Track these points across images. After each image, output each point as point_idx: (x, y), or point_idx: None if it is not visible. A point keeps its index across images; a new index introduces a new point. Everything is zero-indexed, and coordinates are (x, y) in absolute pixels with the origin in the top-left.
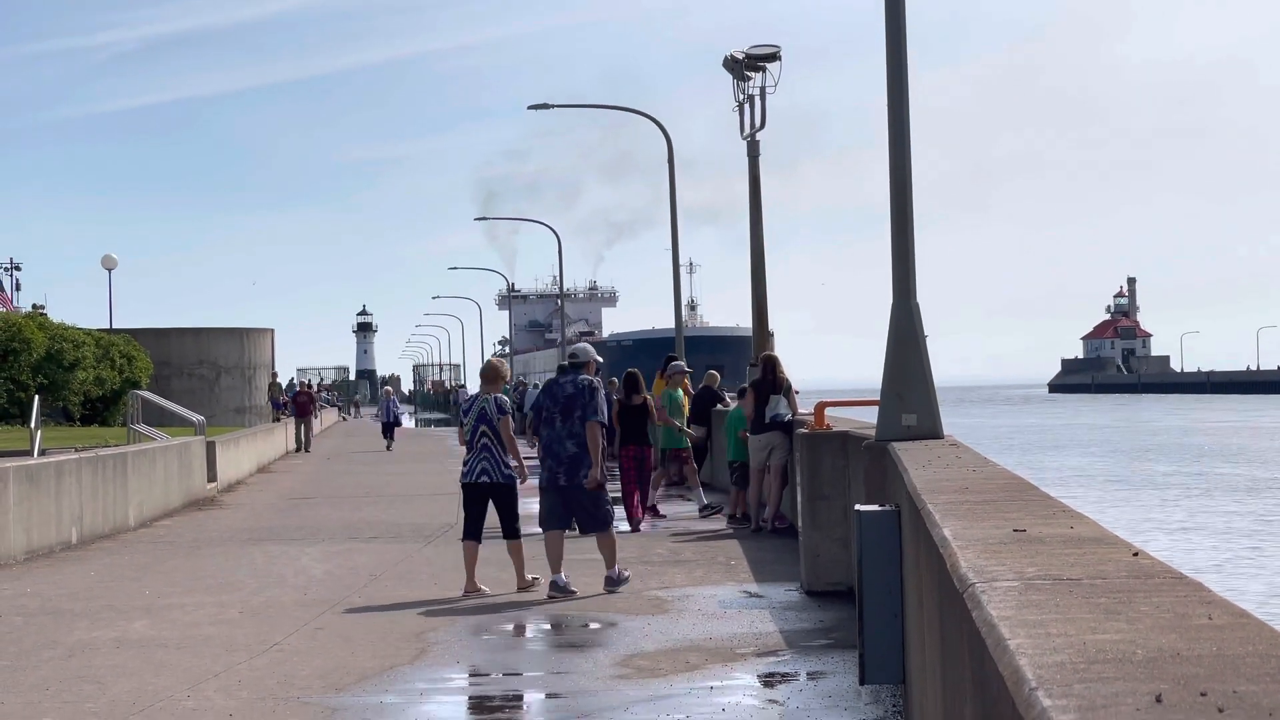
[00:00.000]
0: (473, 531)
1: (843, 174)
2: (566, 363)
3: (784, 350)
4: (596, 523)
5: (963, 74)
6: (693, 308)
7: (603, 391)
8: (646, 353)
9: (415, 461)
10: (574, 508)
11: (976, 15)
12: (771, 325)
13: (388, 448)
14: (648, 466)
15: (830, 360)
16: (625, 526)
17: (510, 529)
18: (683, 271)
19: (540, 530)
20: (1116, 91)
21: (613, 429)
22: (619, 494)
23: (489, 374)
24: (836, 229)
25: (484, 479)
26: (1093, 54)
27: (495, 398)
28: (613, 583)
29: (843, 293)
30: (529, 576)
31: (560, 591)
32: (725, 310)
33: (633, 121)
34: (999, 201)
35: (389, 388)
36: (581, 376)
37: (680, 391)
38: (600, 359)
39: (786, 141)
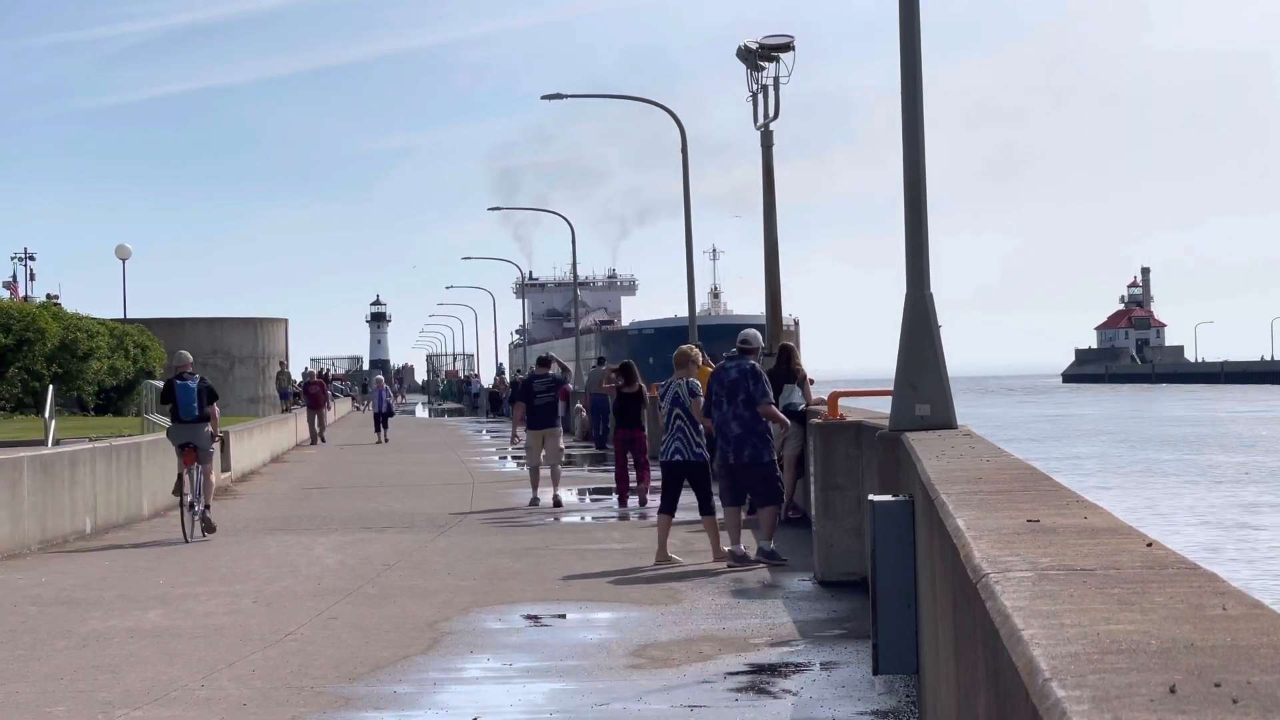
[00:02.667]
0: (668, 506)
1: (879, 159)
2: (735, 348)
3: (813, 338)
4: (763, 497)
5: (987, 63)
6: (716, 296)
7: (764, 374)
8: (668, 341)
9: (427, 451)
10: (746, 484)
11: (1002, 5)
12: (800, 314)
13: (382, 439)
14: (639, 448)
15: (862, 349)
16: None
17: (705, 505)
18: (705, 258)
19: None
20: (1138, 82)
21: (607, 413)
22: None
23: (681, 360)
24: (872, 215)
25: (677, 457)
26: (1117, 44)
27: (688, 382)
28: (764, 554)
29: (876, 282)
30: (724, 548)
31: (739, 560)
32: (750, 299)
33: (655, 108)
34: (1015, 191)
35: (380, 377)
36: (746, 362)
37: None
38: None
39: (823, 127)
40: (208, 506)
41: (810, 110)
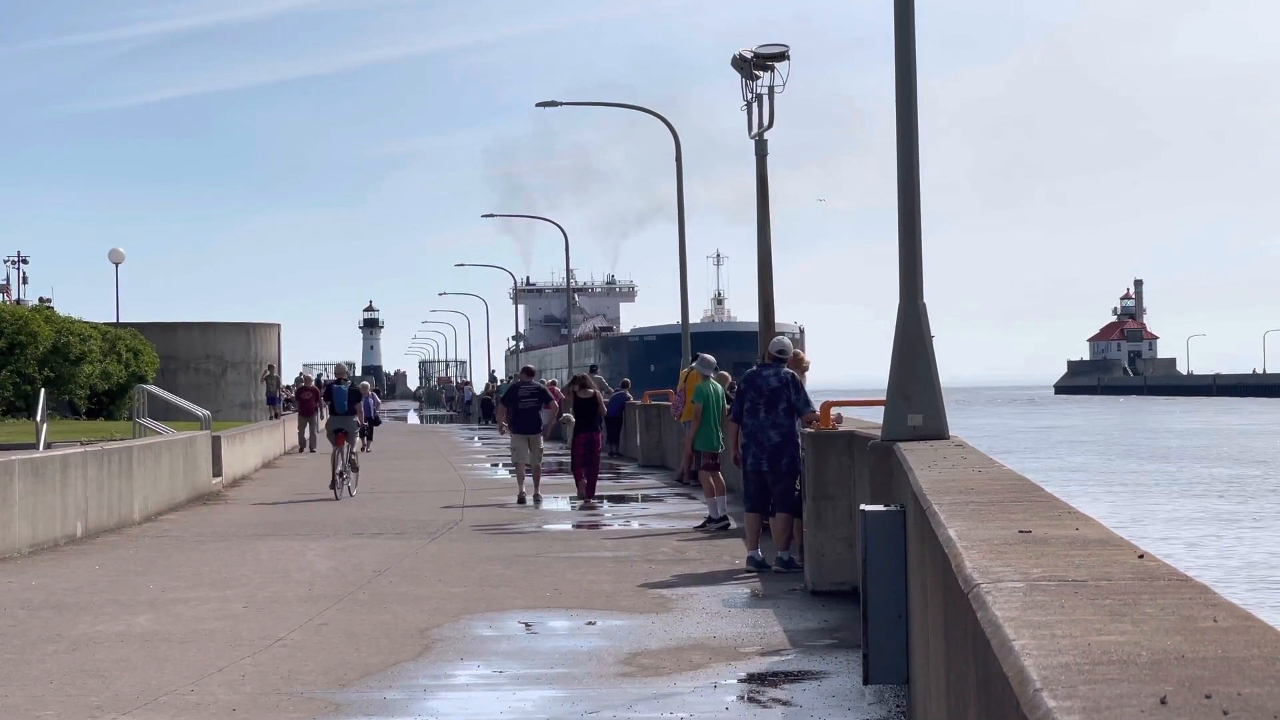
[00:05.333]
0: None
1: (886, 167)
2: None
3: (820, 346)
4: (784, 504)
5: (991, 72)
6: (719, 302)
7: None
8: (670, 348)
9: (419, 459)
10: (775, 491)
11: (1012, 14)
12: (806, 322)
13: (365, 448)
14: (595, 450)
15: (869, 357)
16: (578, 498)
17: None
18: (709, 263)
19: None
20: (1138, 94)
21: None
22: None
23: (793, 362)
24: (878, 223)
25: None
26: (1118, 55)
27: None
28: (782, 564)
29: (881, 290)
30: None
31: (757, 566)
32: (756, 305)
33: (660, 109)
34: (1010, 202)
35: (366, 383)
36: (784, 370)
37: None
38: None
39: (836, 133)
40: (354, 455)
41: (825, 116)
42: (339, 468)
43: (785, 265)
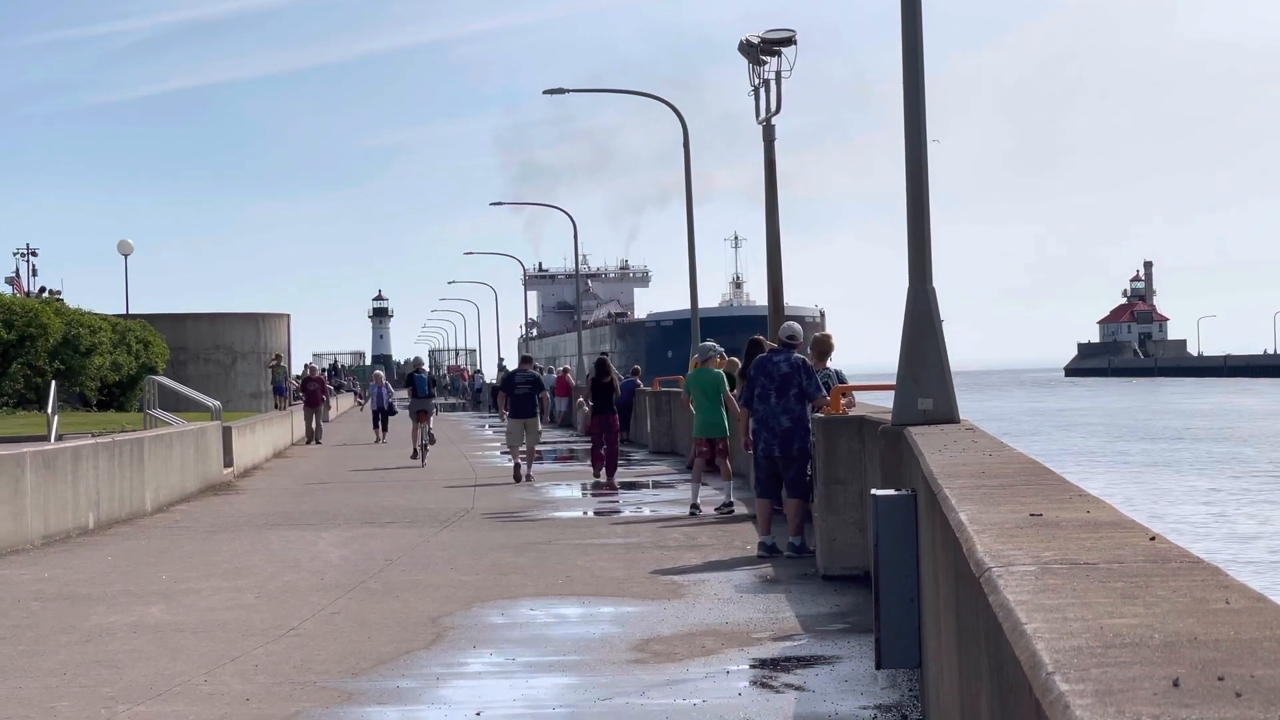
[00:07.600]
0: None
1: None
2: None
3: (842, 330)
4: (795, 489)
5: (1008, 53)
6: (738, 285)
7: (815, 369)
8: (687, 332)
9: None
10: (787, 476)
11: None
12: (827, 305)
13: (380, 439)
14: (612, 430)
15: (890, 341)
16: (599, 477)
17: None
18: (727, 246)
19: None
20: (1153, 75)
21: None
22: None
23: (820, 348)
24: (896, 205)
25: None
26: (1132, 36)
27: (836, 371)
28: (794, 549)
29: (899, 273)
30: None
31: (768, 551)
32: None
33: (677, 93)
34: (1019, 186)
35: (379, 372)
36: (795, 355)
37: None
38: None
39: (858, 113)
40: (432, 430)
41: (848, 98)
42: (421, 440)
43: (807, 249)
